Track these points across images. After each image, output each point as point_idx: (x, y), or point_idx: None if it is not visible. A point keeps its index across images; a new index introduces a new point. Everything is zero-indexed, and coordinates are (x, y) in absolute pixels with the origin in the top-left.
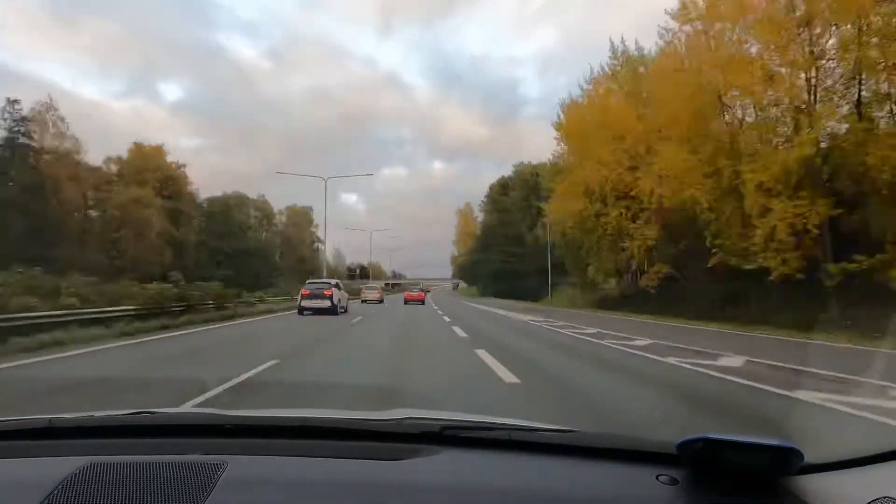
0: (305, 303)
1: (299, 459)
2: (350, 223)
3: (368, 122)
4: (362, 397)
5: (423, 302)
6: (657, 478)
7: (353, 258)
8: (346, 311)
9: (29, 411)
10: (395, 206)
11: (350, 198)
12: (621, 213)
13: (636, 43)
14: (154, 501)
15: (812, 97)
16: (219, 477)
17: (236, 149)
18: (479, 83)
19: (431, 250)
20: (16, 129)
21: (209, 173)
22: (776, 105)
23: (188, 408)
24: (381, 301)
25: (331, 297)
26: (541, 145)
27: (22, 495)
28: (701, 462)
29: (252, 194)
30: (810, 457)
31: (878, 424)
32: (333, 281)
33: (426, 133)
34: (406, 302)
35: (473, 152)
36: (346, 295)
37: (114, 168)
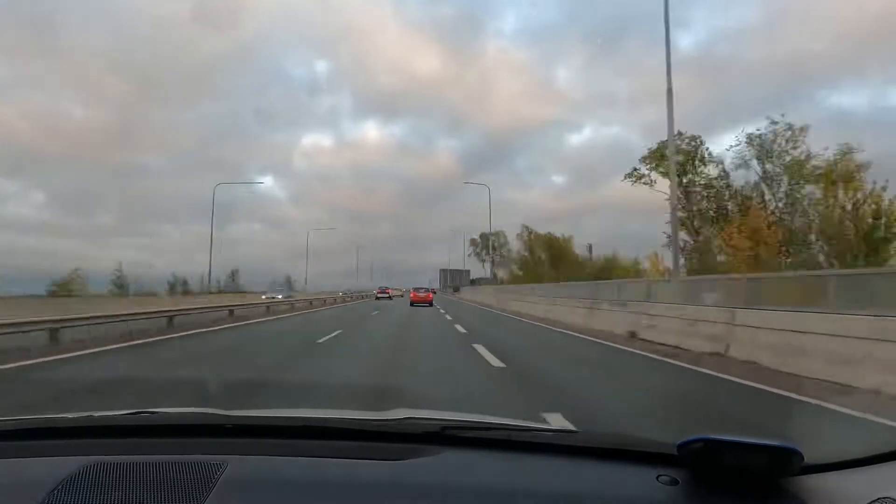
0: (378, 295)
1: (299, 460)
2: (275, 218)
3: (251, 32)
4: (363, 397)
5: (430, 304)
6: (657, 478)
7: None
8: (392, 299)
9: None
10: (322, 193)
11: (265, 180)
12: None
13: None
14: (154, 501)
15: None
16: (219, 477)
17: (58, 85)
18: None
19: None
20: None
21: (42, 131)
22: None
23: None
24: (402, 296)
25: (389, 294)
26: (527, 97)
27: (22, 495)
28: (701, 462)
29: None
30: (810, 457)
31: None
32: (388, 287)
33: (347, 64)
34: (412, 304)
35: (420, 105)
36: (396, 292)
37: None
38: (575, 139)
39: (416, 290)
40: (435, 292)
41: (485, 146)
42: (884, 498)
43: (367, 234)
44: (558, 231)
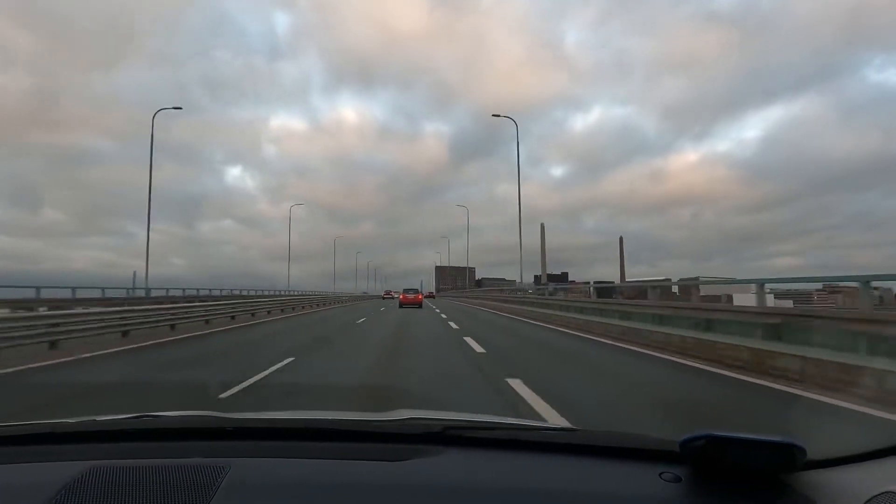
0: (384, 296)
1: (302, 461)
2: (251, 217)
3: None
4: (363, 398)
5: (420, 305)
6: (660, 475)
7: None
8: (394, 299)
9: None
10: (300, 186)
11: (234, 171)
12: None
13: None
14: None
15: None
16: (222, 480)
17: None
18: None
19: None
20: None
21: None
22: None
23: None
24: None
25: (392, 295)
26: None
27: (26, 500)
28: (704, 459)
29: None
30: (813, 453)
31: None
32: (391, 289)
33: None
34: (401, 305)
35: (404, 78)
36: (398, 294)
37: None
38: (580, 122)
39: (406, 291)
40: (433, 296)
41: (476, 129)
42: (887, 492)
43: (352, 235)
44: (559, 227)
